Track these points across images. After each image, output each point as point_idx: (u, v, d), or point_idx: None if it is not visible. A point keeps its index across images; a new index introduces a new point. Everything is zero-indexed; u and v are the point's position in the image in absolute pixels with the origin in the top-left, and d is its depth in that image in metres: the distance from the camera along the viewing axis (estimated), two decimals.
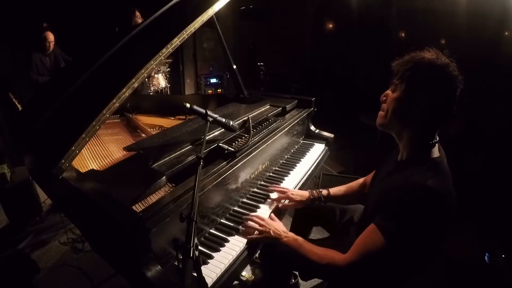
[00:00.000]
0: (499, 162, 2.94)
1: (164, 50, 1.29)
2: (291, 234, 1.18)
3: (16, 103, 2.86)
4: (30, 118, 1.65)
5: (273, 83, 5.60)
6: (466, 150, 3.01)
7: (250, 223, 1.26)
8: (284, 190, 1.51)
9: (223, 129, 1.47)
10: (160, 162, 1.25)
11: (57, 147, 1.19)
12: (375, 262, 0.95)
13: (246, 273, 1.89)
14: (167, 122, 2.03)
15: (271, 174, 1.74)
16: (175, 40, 1.32)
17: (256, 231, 1.23)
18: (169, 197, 1.08)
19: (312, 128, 2.22)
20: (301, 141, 2.15)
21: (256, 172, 1.57)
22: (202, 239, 1.23)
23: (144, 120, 2.11)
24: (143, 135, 1.90)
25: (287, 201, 1.47)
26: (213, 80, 5.60)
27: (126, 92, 1.20)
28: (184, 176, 1.18)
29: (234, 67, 2.12)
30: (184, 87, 5.57)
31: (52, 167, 1.10)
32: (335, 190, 1.52)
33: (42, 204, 2.65)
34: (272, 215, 1.35)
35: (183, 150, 1.35)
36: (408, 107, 0.97)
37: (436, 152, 1.00)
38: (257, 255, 1.46)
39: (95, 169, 1.40)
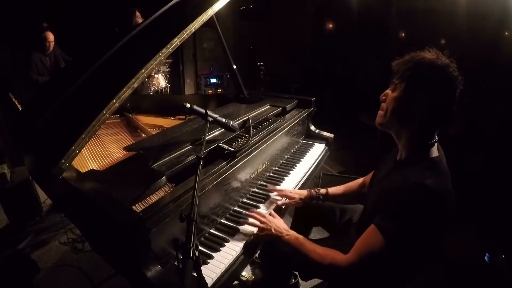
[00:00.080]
0: (499, 162, 2.93)
1: (164, 50, 1.30)
2: (293, 232, 1.18)
3: (16, 103, 2.86)
4: (30, 118, 1.65)
5: (273, 83, 5.60)
6: (466, 150, 3.01)
7: (251, 220, 1.26)
8: (282, 190, 1.52)
9: (223, 129, 1.48)
10: (160, 162, 1.25)
11: (57, 147, 1.19)
12: (376, 263, 0.95)
13: (246, 273, 1.89)
14: (167, 122, 2.03)
15: (271, 174, 1.74)
16: (175, 40, 1.32)
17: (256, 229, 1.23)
18: (169, 197, 1.08)
19: (312, 128, 2.22)
20: (301, 141, 2.15)
21: (256, 172, 1.57)
22: (202, 239, 1.23)
23: (144, 120, 2.11)
24: (143, 135, 1.90)
25: (286, 200, 1.48)
26: (213, 80, 5.60)
27: (126, 92, 1.20)
28: (184, 176, 1.18)
29: (234, 67, 2.12)
30: (184, 87, 5.56)
31: (52, 167, 1.10)
32: (333, 190, 1.52)
33: (42, 204, 2.65)
34: (273, 212, 1.35)
35: (183, 150, 1.35)
36: (407, 106, 0.97)
37: (435, 151, 1.00)
38: (257, 255, 1.46)
39: (95, 169, 1.40)
